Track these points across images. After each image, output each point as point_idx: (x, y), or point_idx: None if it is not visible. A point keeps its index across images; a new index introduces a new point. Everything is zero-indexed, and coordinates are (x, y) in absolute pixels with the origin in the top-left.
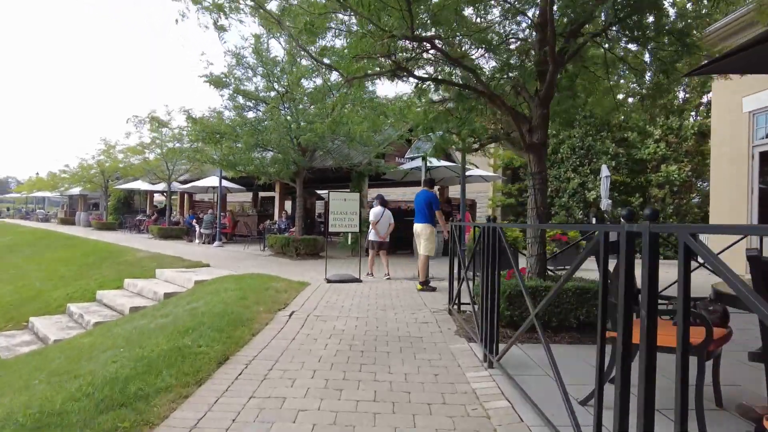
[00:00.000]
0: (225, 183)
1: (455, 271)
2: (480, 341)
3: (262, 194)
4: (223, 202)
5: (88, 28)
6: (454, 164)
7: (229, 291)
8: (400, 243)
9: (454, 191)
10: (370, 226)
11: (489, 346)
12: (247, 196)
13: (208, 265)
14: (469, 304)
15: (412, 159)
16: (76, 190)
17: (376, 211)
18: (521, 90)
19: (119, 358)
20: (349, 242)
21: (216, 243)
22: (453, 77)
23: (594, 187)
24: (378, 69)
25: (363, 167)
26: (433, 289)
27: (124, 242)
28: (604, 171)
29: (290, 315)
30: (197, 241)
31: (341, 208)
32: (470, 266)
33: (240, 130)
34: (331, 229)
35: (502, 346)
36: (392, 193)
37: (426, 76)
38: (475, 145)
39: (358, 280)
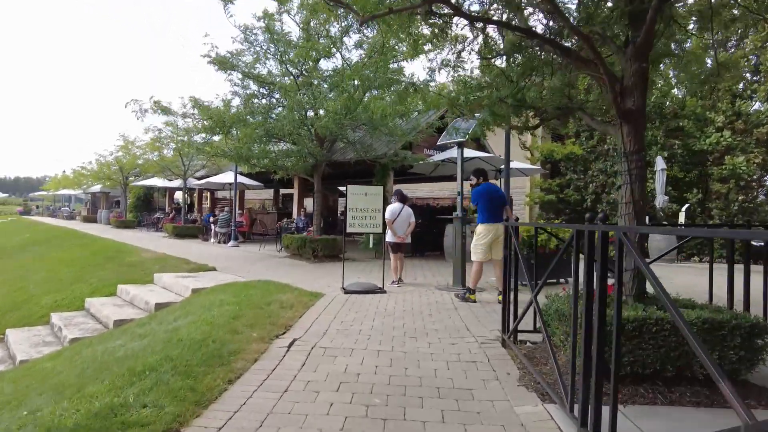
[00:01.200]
0: (242, 179)
1: (511, 285)
2: (566, 403)
3: (283, 191)
4: (241, 199)
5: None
6: (490, 155)
7: (224, 305)
8: (429, 244)
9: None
10: (387, 226)
11: (588, 417)
12: (270, 194)
13: (213, 269)
14: (530, 331)
15: (443, 150)
16: (97, 188)
17: (393, 207)
18: (604, 41)
19: (24, 424)
20: (371, 245)
21: (231, 242)
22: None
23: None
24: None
25: (387, 159)
26: (473, 301)
27: (136, 241)
28: (660, 163)
29: (290, 345)
30: (213, 240)
31: (361, 204)
32: (525, 277)
33: (252, 119)
34: (349, 230)
35: (605, 413)
36: (419, 189)
37: (475, 15)
38: (535, 121)
39: (381, 291)
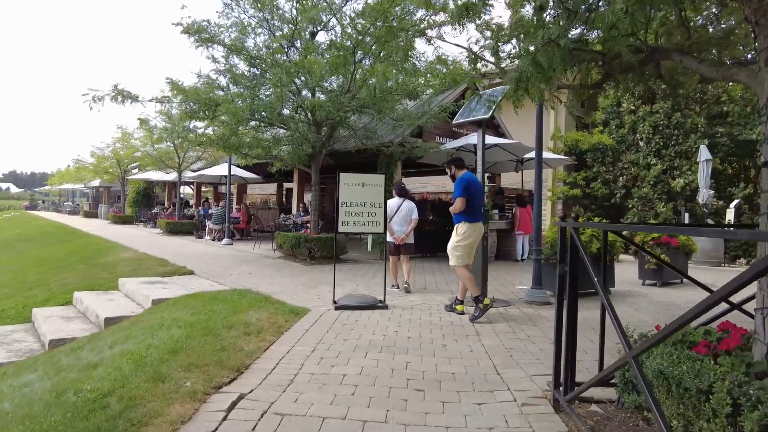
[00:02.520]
0: (240, 172)
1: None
2: None
3: (286, 185)
4: (241, 193)
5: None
6: (512, 142)
7: (173, 328)
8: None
9: (506, 180)
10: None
11: None
12: (273, 188)
13: (191, 273)
14: (601, 383)
15: (458, 138)
16: (96, 182)
17: (391, 202)
18: None
19: None
20: (370, 247)
21: (225, 240)
22: None
23: (681, 174)
24: None
25: (394, 148)
26: (488, 307)
27: (125, 239)
28: (704, 153)
29: (229, 408)
30: (207, 237)
31: (357, 197)
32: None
33: (241, 102)
34: (342, 229)
35: None
36: (431, 183)
37: None
38: (597, 75)
39: (381, 306)
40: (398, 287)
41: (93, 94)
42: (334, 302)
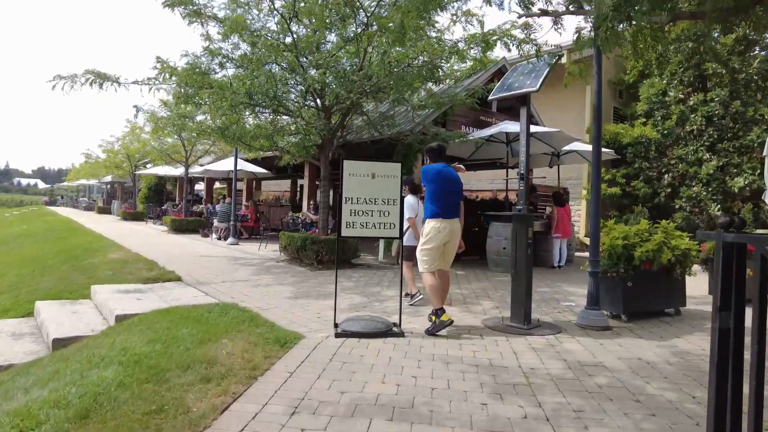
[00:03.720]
0: (249, 167)
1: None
2: None
3: (300, 182)
4: (250, 190)
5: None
6: (551, 130)
7: (111, 367)
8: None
9: (539, 174)
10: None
11: None
12: (288, 184)
13: (178, 279)
14: None
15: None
16: (109, 178)
17: (411, 201)
18: None
19: None
20: (382, 255)
21: (230, 240)
22: None
23: (743, 171)
24: None
25: (413, 138)
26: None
27: (123, 238)
28: None
29: None
30: (213, 236)
31: (367, 192)
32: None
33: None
34: (345, 232)
35: None
36: None
37: None
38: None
39: (396, 333)
40: (418, 294)
41: (63, 83)
42: (336, 325)
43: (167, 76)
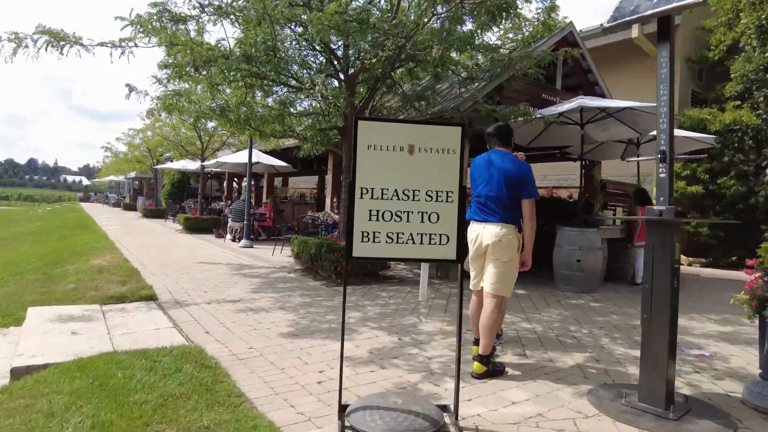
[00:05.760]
0: (266, 159)
1: None
2: None
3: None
4: (270, 185)
5: None
6: (646, 105)
7: None
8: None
9: (607, 168)
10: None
11: None
12: (315, 180)
13: (151, 298)
14: None
15: (554, 107)
16: (133, 174)
17: None
18: None
19: None
20: (423, 294)
21: (243, 241)
22: None
23: None
24: None
25: (461, 117)
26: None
27: (128, 237)
28: None
29: None
30: (228, 236)
31: (397, 177)
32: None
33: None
34: (358, 250)
35: None
36: None
37: None
38: None
39: None
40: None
41: (7, 45)
42: (341, 410)
43: (138, 31)
